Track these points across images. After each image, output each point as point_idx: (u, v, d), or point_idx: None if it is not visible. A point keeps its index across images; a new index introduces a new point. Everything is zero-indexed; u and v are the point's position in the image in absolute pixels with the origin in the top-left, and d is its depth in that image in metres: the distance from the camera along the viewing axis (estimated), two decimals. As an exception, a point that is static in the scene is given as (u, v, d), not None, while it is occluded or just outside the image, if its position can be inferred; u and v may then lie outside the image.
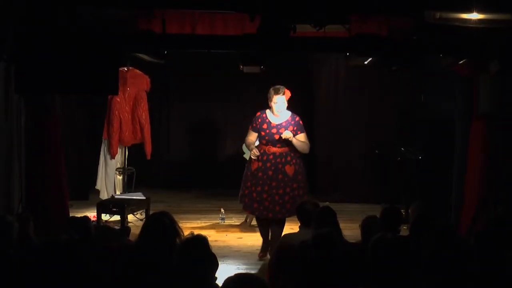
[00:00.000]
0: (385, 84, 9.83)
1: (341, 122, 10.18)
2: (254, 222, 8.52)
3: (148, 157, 9.00)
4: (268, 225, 7.07)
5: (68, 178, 7.42)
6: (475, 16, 5.64)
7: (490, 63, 6.59)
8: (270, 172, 6.93)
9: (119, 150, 8.89)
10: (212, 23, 7.10)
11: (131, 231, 6.16)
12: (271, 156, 6.95)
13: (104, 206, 7.92)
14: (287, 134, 6.82)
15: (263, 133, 7.00)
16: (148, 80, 8.88)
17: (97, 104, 9.84)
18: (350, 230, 6.21)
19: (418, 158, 8.72)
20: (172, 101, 11.01)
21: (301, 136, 6.95)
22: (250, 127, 7.11)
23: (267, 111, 7.05)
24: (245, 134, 7.26)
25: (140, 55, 6.81)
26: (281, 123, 6.97)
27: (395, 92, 9.90)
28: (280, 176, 6.92)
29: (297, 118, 6.99)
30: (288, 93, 6.97)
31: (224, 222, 8.60)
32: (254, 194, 6.98)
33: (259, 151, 6.94)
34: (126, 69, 8.53)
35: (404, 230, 5.65)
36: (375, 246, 3.72)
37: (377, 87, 9.94)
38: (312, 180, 10.33)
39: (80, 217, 5.04)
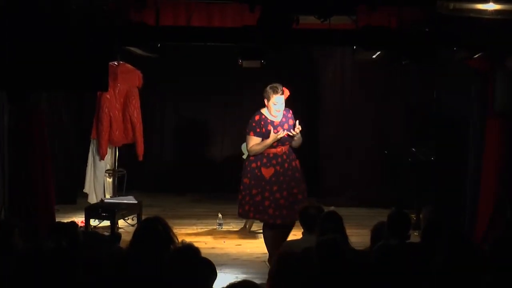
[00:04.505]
0: (394, 80, 9.82)
1: (347, 121, 10.17)
2: (253, 228, 8.53)
3: (140, 158, 9.00)
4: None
5: (55, 181, 7.43)
6: (491, 6, 5.63)
7: (507, 57, 6.60)
8: (290, 172, 7.11)
9: (109, 151, 8.89)
10: (209, 14, 7.10)
11: (122, 237, 6.18)
12: (284, 157, 7.11)
13: (93, 211, 7.93)
14: (300, 127, 7.02)
15: None
16: (140, 75, 8.88)
17: (85, 101, 9.85)
18: (358, 237, 6.22)
19: (430, 159, 8.72)
20: (165, 98, 10.99)
21: None
22: (251, 133, 7.06)
23: (263, 111, 7.10)
24: (244, 133, 7.30)
25: (132, 48, 6.81)
26: (281, 120, 7.09)
27: (405, 88, 9.90)
28: (296, 174, 7.15)
29: (291, 111, 7.21)
30: (287, 92, 7.07)
31: (221, 228, 8.60)
32: (271, 202, 6.99)
33: (269, 155, 7.01)
34: (116, 63, 8.53)
35: (415, 237, 5.65)
36: (377, 254, 3.73)
37: (386, 83, 9.94)
38: (317, 182, 10.35)
39: (67, 222, 5.06)
